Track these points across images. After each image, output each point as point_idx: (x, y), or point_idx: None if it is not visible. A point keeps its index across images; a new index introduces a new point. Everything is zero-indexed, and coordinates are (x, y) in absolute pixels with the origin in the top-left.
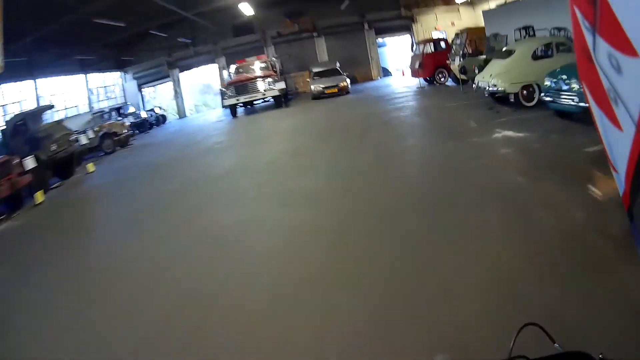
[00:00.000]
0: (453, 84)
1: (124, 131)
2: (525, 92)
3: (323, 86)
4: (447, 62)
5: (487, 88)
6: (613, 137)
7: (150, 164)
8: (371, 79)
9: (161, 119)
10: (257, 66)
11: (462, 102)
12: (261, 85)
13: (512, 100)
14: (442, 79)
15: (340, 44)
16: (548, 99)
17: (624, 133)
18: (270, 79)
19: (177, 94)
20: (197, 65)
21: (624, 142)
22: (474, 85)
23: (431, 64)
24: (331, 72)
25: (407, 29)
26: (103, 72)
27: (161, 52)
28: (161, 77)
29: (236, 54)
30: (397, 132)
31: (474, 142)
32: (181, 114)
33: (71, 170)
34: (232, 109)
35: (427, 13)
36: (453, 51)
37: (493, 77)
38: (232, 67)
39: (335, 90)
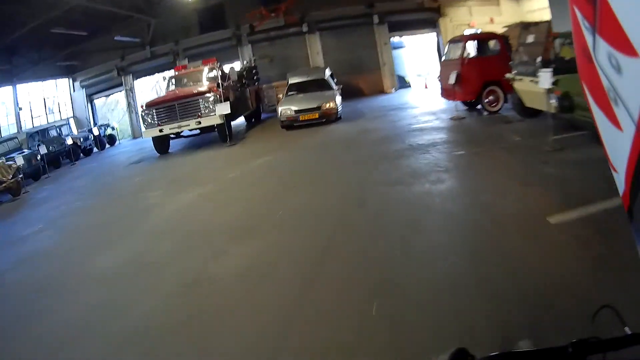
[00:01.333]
0: (514, 114)
1: (6, 178)
2: None
3: (296, 108)
4: (506, 76)
5: None
6: (613, 137)
7: None
8: (382, 91)
9: (105, 141)
10: (203, 76)
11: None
12: (198, 107)
13: None
14: (495, 105)
15: (340, 44)
16: None
17: (624, 133)
18: (210, 98)
19: (131, 107)
20: (155, 71)
21: (624, 142)
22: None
23: (476, 77)
24: (315, 85)
25: (431, 24)
26: (40, 80)
27: (113, 53)
28: (113, 86)
29: (202, 56)
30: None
31: None
32: (136, 132)
33: None
34: (157, 142)
35: (458, 5)
36: (516, 57)
37: None
38: (165, 78)
39: (315, 115)
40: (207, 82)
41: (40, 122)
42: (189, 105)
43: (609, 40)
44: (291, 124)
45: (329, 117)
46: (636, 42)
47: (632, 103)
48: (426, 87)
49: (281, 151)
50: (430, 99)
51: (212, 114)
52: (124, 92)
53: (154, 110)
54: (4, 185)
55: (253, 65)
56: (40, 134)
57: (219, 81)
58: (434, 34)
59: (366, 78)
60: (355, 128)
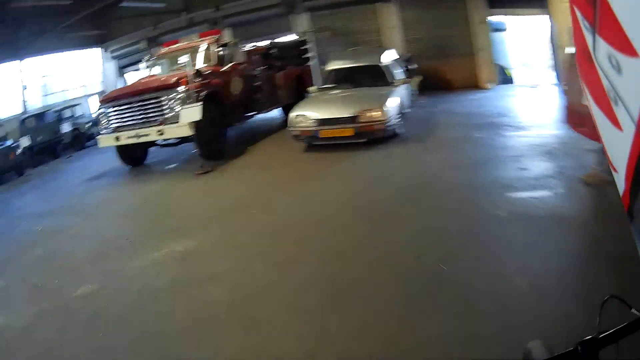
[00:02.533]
0: None
1: None
2: None
3: (318, 116)
4: None
5: None
6: (613, 137)
7: None
8: (477, 86)
9: None
10: (199, 56)
11: None
12: (160, 108)
13: None
14: None
15: (423, 18)
16: None
17: (624, 133)
18: (176, 96)
19: None
20: None
21: (624, 142)
22: None
23: None
24: (366, 74)
25: (539, 3)
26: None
27: (146, 20)
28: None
29: (246, 26)
30: None
31: None
32: None
33: None
34: (121, 151)
35: None
36: None
37: None
38: (146, 59)
39: (347, 132)
40: (205, 65)
41: (66, 96)
42: (149, 105)
43: (609, 40)
44: (310, 141)
45: (373, 135)
46: (636, 42)
47: (632, 103)
48: (535, 85)
49: (261, 208)
50: (542, 110)
51: (177, 121)
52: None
53: (108, 110)
54: None
55: (300, 39)
56: (36, 119)
57: (221, 64)
58: (544, 15)
59: (455, 66)
60: (410, 168)
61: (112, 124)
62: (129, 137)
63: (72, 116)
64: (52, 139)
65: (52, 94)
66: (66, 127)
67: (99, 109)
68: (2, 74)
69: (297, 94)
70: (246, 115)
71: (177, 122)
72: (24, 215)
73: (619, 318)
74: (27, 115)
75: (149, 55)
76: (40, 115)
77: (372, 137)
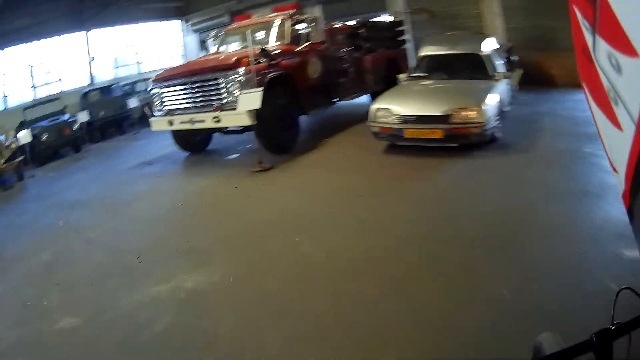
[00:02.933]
0: None
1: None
2: None
3: (403, 111)
4: None
5: None
6: (613, 137)
7: None
8: (581, 85)
9: None
10: (272, 33)
11: None
12: (217, 92)
13: None
14: None
15: (529, 5)
16: None
17: (624, 133)
18: (235, 79)
19: None
20: None
21: (624, 142)
22: None
23: None
24: (463, 64)
25: None
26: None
27: None
28: None
29: (336, 4)
30: None
31: None
32: None
33: None
34: (177, 136)
35: None
36: None
37: None
38: (213, 35)
39: (436, 133)
40: (278, 44)
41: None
42: (205, 88)
43: (609, 40)
44: (392, 141)
45: (466, 140)
46: (636, 42)
47: (632, 103)
48: None
49: (308, 232)
50: None
51: (234, 107)
52: None
53: (162, 90)
54: None
55: (395, 20)
56: (101, 93)
57: (295, 41)
58: None
59: (559, 61)
60: (505, 191)
61: (165, 106)
62: (182, 123)
63: (145, 90)
64: (117, 115)
65: (125, 66)
66: (133, 102)
67: (151, 89)
68: (69, 45)
69: (388, 81)
70: (326, 102)
71: (235, 108)
72: (55, 204)
73: (630, 309)
74: (90, 88)
75: (217, 31)
76: (105, 89)
77: (465, 141)
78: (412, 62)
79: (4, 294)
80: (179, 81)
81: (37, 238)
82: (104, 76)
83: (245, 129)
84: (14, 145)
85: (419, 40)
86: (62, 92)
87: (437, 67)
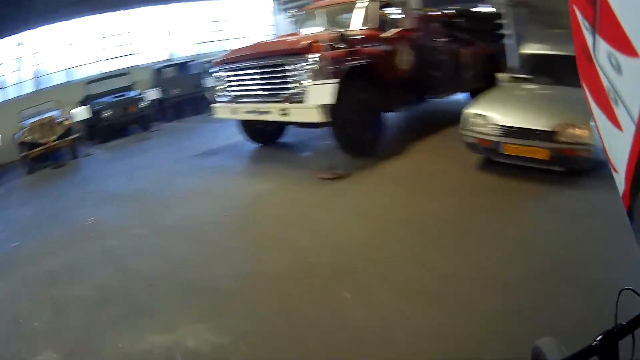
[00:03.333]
0: None
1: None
2: None
3: (503, 122)
4: None
5: None
6: (613, 137)
7: None
8: None
9: None
10: (356, 14)
11: None
12: (286, 80)
13: None
14: None
15: None
16: None
17: (624, 133)
18: (309, 63)
19: None
20: None
21: (624, 142)
22: None
23: None
24: (572, 71)
25: None
26: None
27: None
28: None
29: None
30: None
31: None
32: None
33: None
34: (244, 125)
35: None
36: None
37: None
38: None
39: (539, 153)
40: (362, 29)
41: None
42: (272, 74)
43: (609, 40)
44: (488, 155)
45: (575, 165)
46: (636, 42)
47: (632, 103)
48: None
49: (364, 287)
50: None
51: (303, 100)
52: None
53: (226, 74)
54: (42, 148)
55: (497, 12)
56: (177, 69)
57: (370, 28)
58: None
59: None
60: (619, 253)
61: (229, 91)
62: (247, 112)
63: None
64: (193, 93)
65: (207, 42)
66: (211, 82)
67: (215, 71)
68: (146, 18)
69: (487, 79)
70: (415, 98)
71: (304, 102)
72: (94, 193)
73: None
74: (163, 64)
75: (297, 10)
76: (181, 66)
77: (573, 166)
78: (511, 60)
79: None
80: (244, 65)
81: (58, 235)
82: (182, 52)
83: (321, 124)
84: (67, 122)
85: (520, 37)
86: (133, 66)
87: (542, 69)
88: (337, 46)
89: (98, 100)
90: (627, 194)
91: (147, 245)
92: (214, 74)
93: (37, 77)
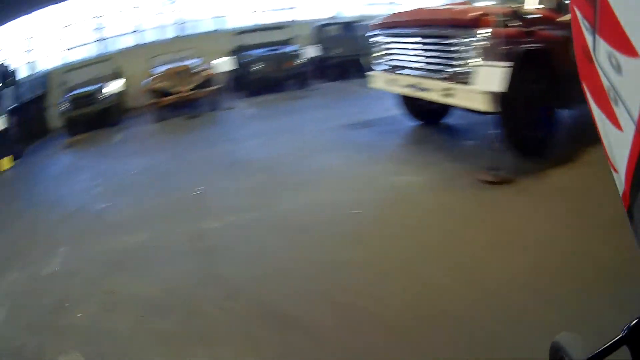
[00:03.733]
0: None
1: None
2: None
3: None
4: None
5: None
6: (613, 137)
7: None
8: None
9: None
10: None
11: None
12: (449, 55)
13: None
14: None
15: None
16: None
17: (624, 133)
18: (477, 39)
19: None
20: None
21: (624, 142)
22: None
23: None
24: None
25: None
26: None
27: None
28: None
29: None
30: None
31: None
32: None
33: None
34: (406, 100)
35: None
36: None
37: None
38: None
39: None
40: (539, 7)
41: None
42: (436, 47)
43: (609, 40)
44: None
45: None
46: (636, 42)
47: (632, 103)
48: None
49: None
50: None
51: (468, 81)
52: None
53: (385, 39)
54: (173, 97)
55: None
56: (342, 29)
57: (547, 9)
58: None
59: None
60: None
61: (387, 60)
62: (404, 86)
63: None
64: (355, 55)
65: (377, 5)
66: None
67: (371, 35)
68: None
69: None
70: None
71: (469, 84)
72: (215, 155)
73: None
74: (326, 22)
75: None
76: (346, 26)
77: None
78: None
79: None
80: (403, 31)
81: (154, 203)
82: (348, 12)
83: (487, 112)
84: (207, 72)
85: None
86: (291, 21)
87: None
88: (510, 24)
89: (249, 52)
90: (627, 194)
91: (247, 240)
92: (370, 38)
93: (180, 24)
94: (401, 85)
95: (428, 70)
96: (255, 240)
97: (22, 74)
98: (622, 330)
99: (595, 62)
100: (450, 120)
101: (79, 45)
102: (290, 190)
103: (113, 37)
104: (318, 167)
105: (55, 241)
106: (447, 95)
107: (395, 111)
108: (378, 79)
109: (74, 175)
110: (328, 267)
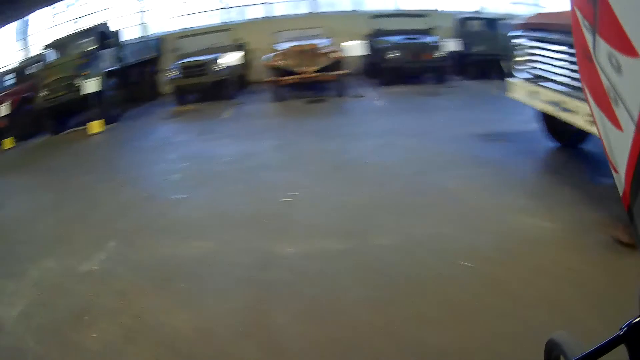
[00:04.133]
0: None
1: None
2: None
3: None
4: None
5: None
6: (613, 137)
7: None
8: None
9: None
10: None
11: None
12: None
13: None
14: None
15: None
16: None
17: (624, 133)
18: None
19: None
20: None
21: (624, 142)
22: None
23: None
24: None
25: None
26: None
27: None
28: None
29: None
30: None
31: None
32: None
33: None
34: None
35: None
36: None
37: None
38: None
39: None
40: None
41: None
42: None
43: (609, 40)
44: None
45: None
46: (636, 42)
47: (632, 103)
48: None
49: None
50: None
51: None
52: None
53: (530, 42)
54: (295, 77)
55: None
56: (485, 24)
57: None
58: None
59: None
60: None
61: (531, 67)
62: (546, 102)
63: None
64: (497, 55)
65: (523, 4)
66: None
67: (515, 35)
68: None
69: None
70: None
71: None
72: (327, 152)
73: None
74: (470, 15)
75: None
76: (491, 22)
77: None
78: None
79: None
80: (552, 37)
81: (233, 205)
82: (493, 8)
83: None
84: (336, 55)
85: None
86: (433, 10)
87: None
88: None
89: (385, 38)
90: (627, 194)
91: (317, 281)
92: (513, 39)
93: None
94: (542, 101)
95: (574, 87)
96: (328, 284)
97: (131, 35)
98: (621, 328)
99: (595, 62)
100: (590, 145)
101: (202, 12)
102: (392, 216)
103: (241, 6)
104: (432, 188)
105: (109, 231)
106: (592, 123)
107: (535, 125)
108: (518, 88)
109: (162, 152)
110: (411, 349)
